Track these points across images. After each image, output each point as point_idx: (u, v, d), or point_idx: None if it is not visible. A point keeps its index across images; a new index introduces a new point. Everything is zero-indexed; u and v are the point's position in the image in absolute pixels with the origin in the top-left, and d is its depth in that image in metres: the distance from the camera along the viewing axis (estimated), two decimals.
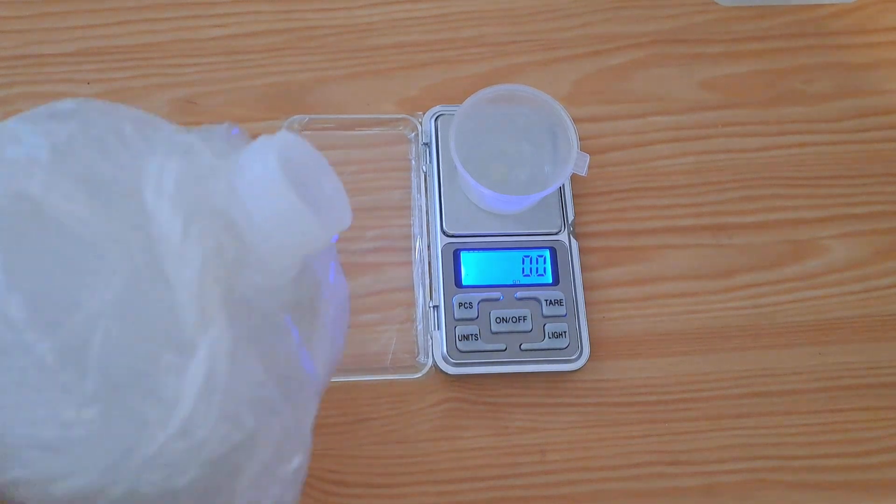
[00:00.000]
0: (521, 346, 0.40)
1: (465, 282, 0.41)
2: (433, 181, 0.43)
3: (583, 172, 0.39)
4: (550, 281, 0.41)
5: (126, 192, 0.19)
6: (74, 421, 0.18)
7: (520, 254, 0.41)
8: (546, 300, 0.40)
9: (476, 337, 0.40)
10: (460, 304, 0.40)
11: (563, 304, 0.40)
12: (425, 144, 0.43)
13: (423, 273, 0.41)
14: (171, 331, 0.18)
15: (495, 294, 0.41)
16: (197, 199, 0.19)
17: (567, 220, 0.42)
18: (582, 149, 0.40)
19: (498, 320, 0.40)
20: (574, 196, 0.43)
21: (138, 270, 0.19)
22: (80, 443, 0.19)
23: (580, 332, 0.40)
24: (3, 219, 0.19)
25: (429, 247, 0.42)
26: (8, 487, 0.19)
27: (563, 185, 0.43)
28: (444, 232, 0.41)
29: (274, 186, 0.19)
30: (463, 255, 0.41)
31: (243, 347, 0.19)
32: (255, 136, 0.22)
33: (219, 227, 0.19)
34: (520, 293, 0.41)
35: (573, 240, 0.42)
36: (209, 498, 0.20)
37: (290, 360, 0.22)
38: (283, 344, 0.21)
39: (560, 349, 0.40)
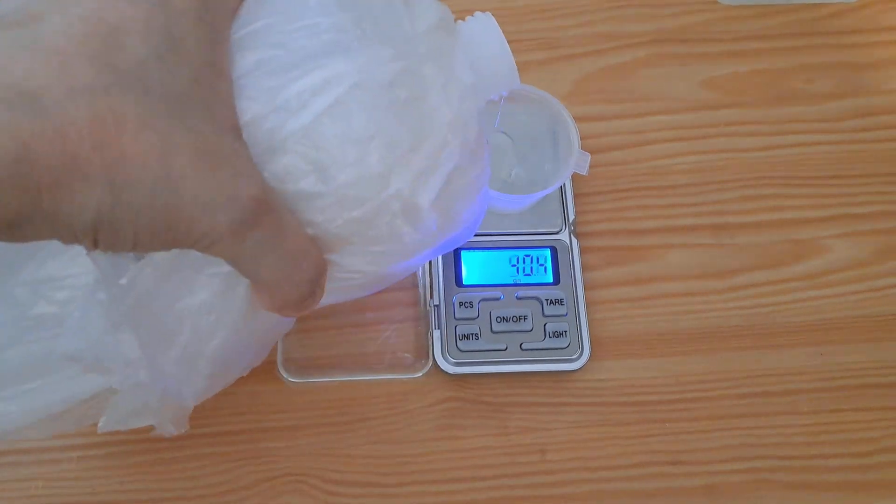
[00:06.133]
0: (522, 346, 0.40)
1: (465, 281, 0.41)
2: None
3: (584, 171, 0.39)
4: (551, 280, 0.41)
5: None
6: (399, 137, 0.25)
7: (520, 253, 0.41)
8: (547, 300, 0.40)
9: (476, 336, 0.40)
10: (461, 304, 0.40)
11: (564, 303, 0.40)
12: None
13: (423, 272, 0.41)
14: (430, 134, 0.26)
15: (496, 293, 0.40)
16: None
17: (568, 220, 0.42)
18: (583, 148, 0.40)
19: (498, 320, 0.40)
20: (575, 195, 0.43)
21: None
22: (380, 157, 0.25)
23: (581, 332, 0.40)
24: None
25: None
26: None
27: (564, 185, 0.43)
28: None
29: (496, 38, 0.28)
30: (463, 254, 0.41)
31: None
32: None
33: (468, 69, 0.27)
34: (520, 293, 0.41)
35: (574, 239, 0.42)
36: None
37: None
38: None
39: (560, 349, 0.40)
